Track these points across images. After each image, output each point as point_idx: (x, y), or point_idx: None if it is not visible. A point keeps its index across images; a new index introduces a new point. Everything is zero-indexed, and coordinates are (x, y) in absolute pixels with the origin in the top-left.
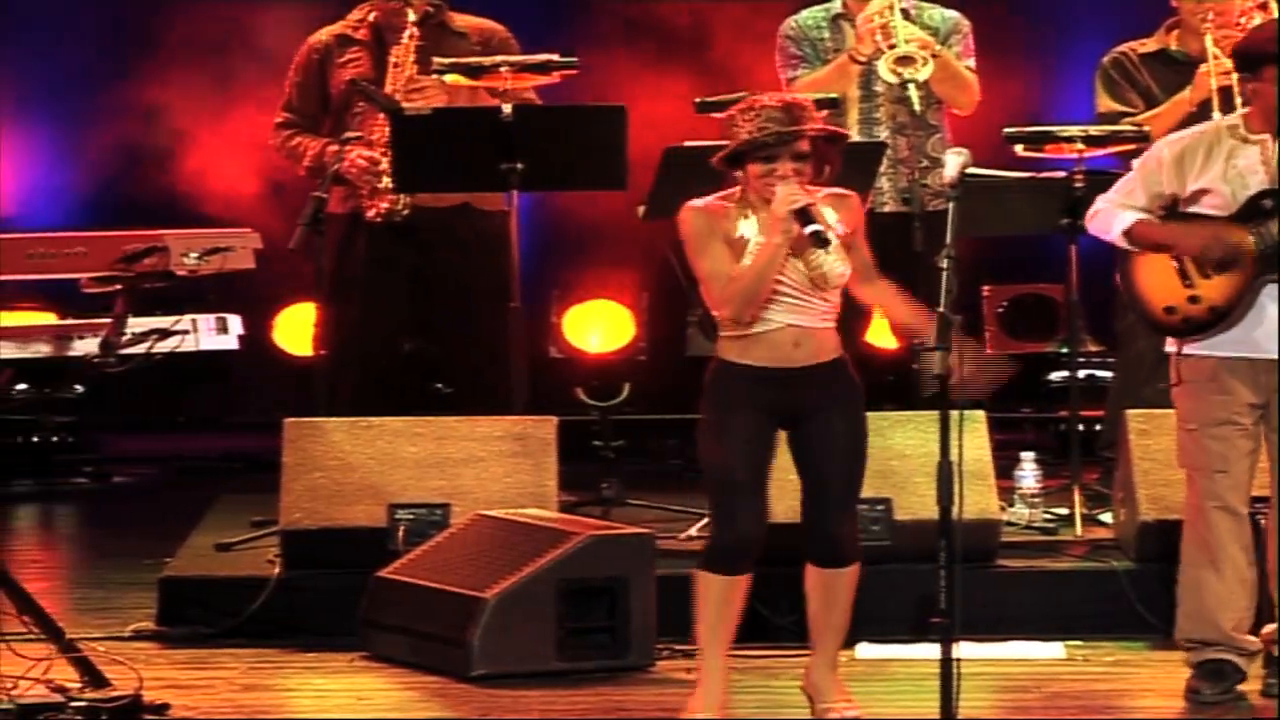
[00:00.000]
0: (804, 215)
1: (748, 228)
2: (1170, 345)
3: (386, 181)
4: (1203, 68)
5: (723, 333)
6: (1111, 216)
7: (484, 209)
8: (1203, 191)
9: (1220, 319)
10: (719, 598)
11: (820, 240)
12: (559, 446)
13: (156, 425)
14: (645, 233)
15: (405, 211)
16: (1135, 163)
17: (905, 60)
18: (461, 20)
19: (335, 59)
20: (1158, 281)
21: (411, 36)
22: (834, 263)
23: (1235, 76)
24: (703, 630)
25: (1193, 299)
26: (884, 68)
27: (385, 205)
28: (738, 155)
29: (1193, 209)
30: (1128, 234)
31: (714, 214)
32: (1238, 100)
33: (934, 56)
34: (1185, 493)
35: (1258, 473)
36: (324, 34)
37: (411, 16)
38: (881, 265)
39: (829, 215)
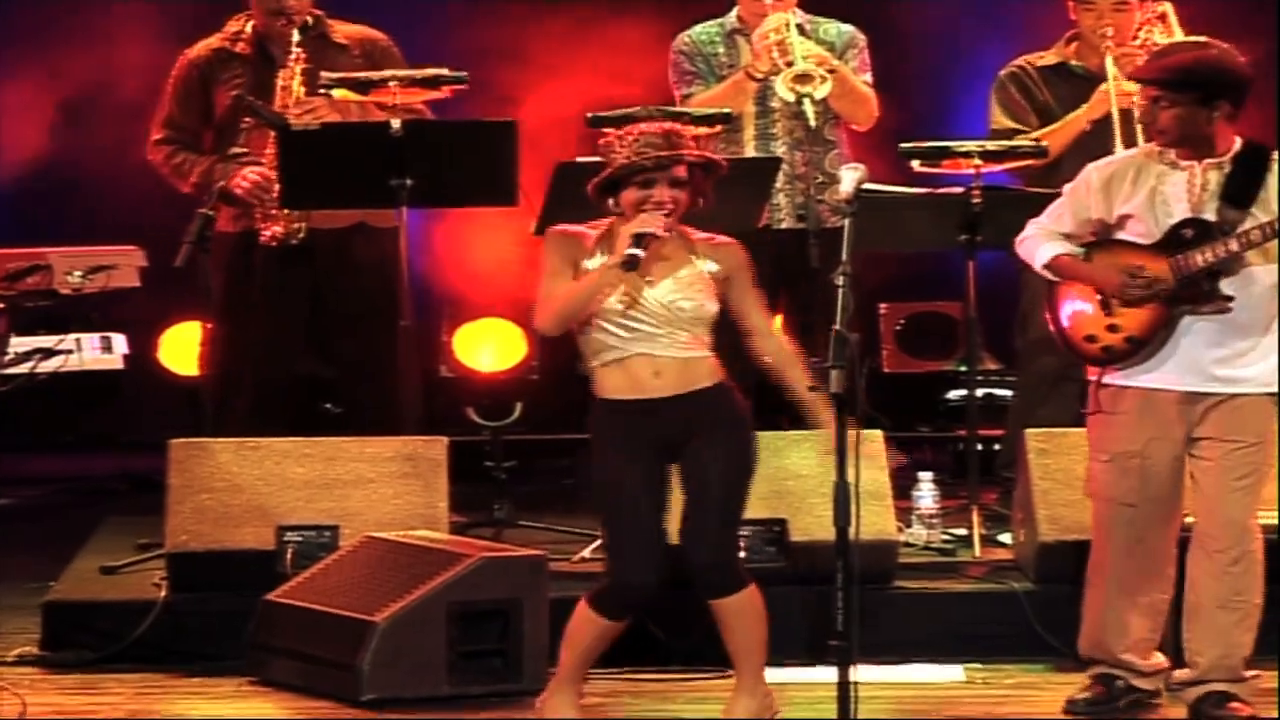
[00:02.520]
0: (638, 240)
1: (595, 263)
2: (1091, 373)
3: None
4: (1102, 87)
5: (587, 365)
6: (1036, 245)
7: (380, 227)
8: (1127, 217)
9: (1138, 349)
10: (596, 635)
11: (629, 263)
12: (450, 467)
13: (43, 446)
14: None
15: (301, 235)
16: (1067, 187)
17: (803, 78)
18: (342, 31)
19: (219, 75)
20: (1079, 309)
21: (298, 59)
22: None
23: (1136, 98)
24: (568, 657)
25: (1112, 328)
26: (782, 85)
27: (281, 229)
28: (614, 181)
29: (1119, 235)
30: (1049, 266)
31: (574, 240)
32: (1137, 124)
33: (831, 73)
34: (1091, 517)
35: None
36: (202, 48)
37: (296, 36)
38: (778, 282)
39: (707, 264)
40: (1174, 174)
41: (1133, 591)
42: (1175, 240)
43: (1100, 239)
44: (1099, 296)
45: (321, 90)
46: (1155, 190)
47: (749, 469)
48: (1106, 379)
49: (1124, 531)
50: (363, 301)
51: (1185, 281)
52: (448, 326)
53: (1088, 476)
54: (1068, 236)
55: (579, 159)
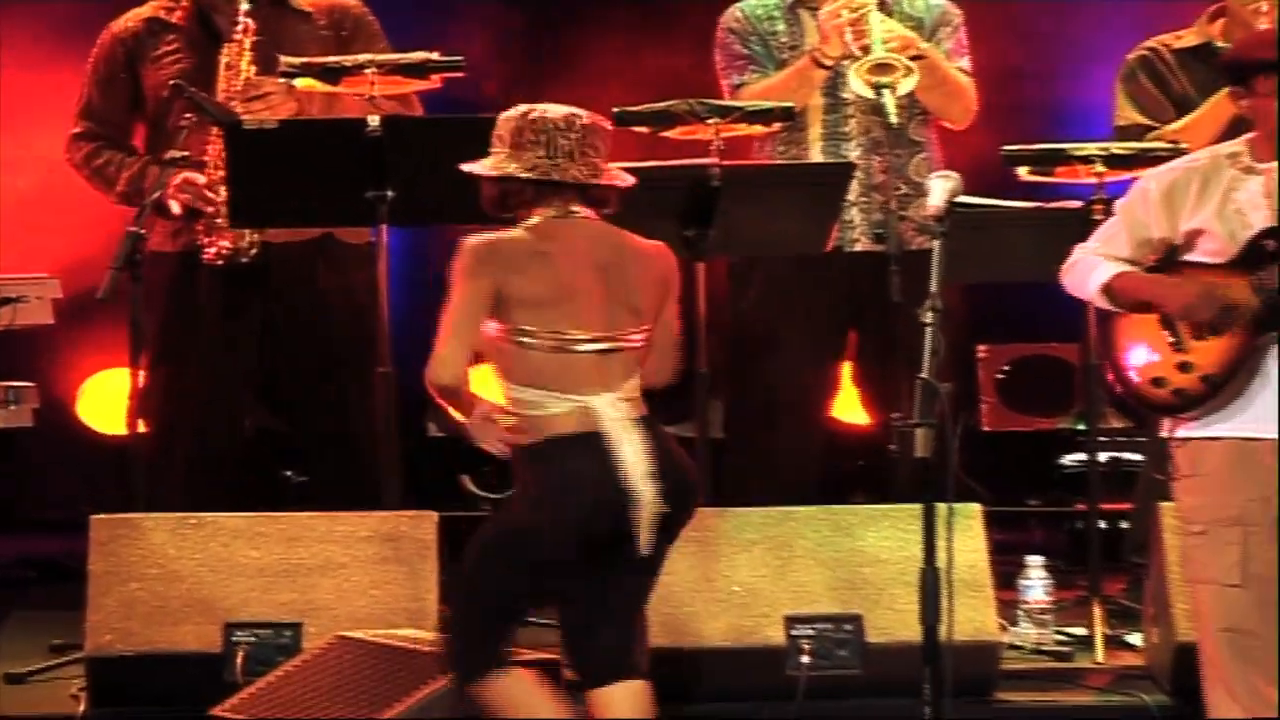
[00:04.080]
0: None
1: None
2: (1164, 427)
3: (223, 212)
4: None
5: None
6: (1089, 270)
7: (351, 242)
8: (1197, 233)
9: (1217, 390)
10: None
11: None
12: (441, 548)
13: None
14: None
15: (253, 251)
16: (1119, 203)
17: (883, 67)
18: None
19: (148, 51)
20: (1143, 348)
21: (246, 30)
22: None
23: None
24: None
25: (1183, 366)
26: (855, 77)
27: (227, 244)
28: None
29: (1189, 256)
30: (1106, 290)
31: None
32: None
33: (918, 59)
34: (1192, 612)
35: None
36: (130, 18)
37: (244, 4)
38: (849, 318)
39: None
40: (1248, 179)
41: (1260, 696)
42: (1255, 255)
43: (1162, 262)
44: (1165, 331)
45: (281, 76)
46: (1227, 199)
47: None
48: (1182, 432)
49: (1232, 622)
50: (330, 339)
51: (1271, 303)
52: None
53: (1182, 558)
54: (1124, 263)
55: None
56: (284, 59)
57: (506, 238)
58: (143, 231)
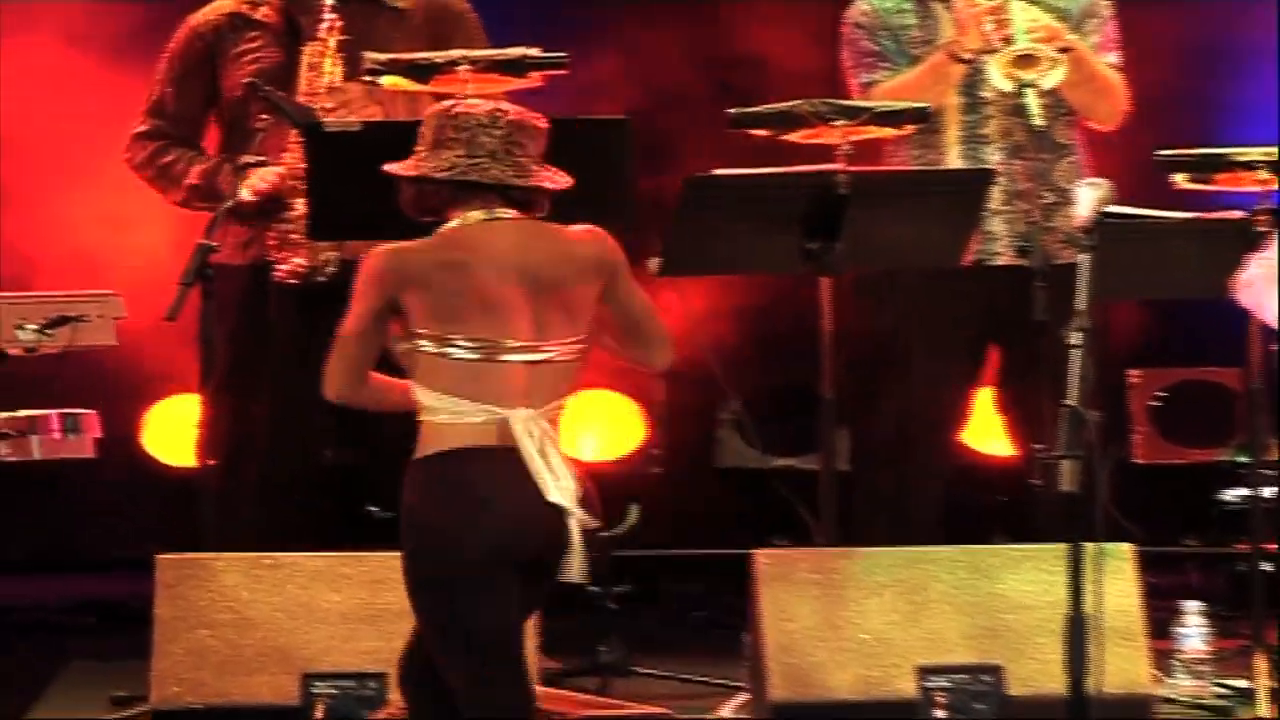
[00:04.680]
0: None
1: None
2: None
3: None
4: None
5: None
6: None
7: None
8: None
9: None
10: None
11: None
12: None
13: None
14: (660, 295)
15: (331, 270)
16: None
17: (1027, 60)
18: None
19: (229, 47)
20: None
21: (331, 28)
22: None
23: None
24: None
25: None
26: (996, 70)
27: (302, 261)
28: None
29: None
30: None
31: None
32: None
33: (1065, 52)
34: None
35: None
36: (211, 11)
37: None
38: (989, 337)
39: None
40: None
41: None
42: None
43: None
44: None
45: (366, 75)
46: None
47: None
48: None
49: None
50: None
51: None
52: None
53: None
54: None
55: (716, 171)
56: (369, 55)
57: (411, 248)
58: (214, 244)
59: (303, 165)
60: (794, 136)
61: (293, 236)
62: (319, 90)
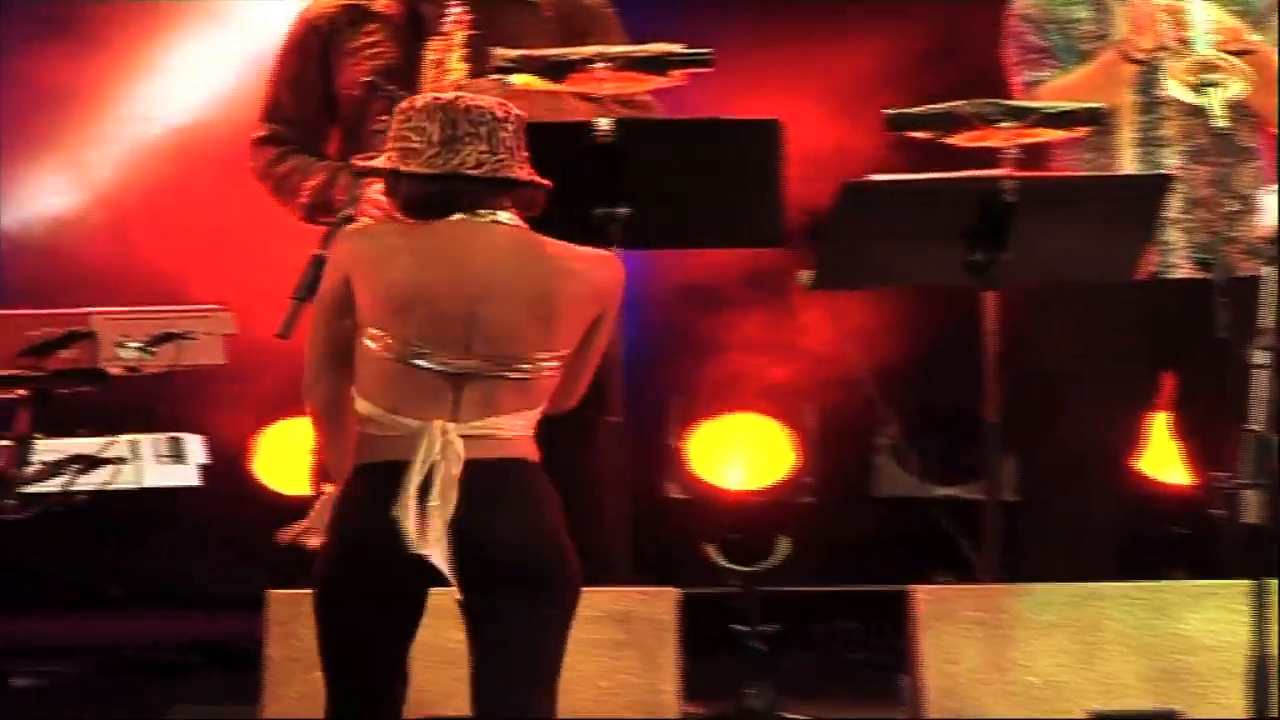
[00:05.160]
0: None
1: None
2: None
3: None
4: None
5: None
6: None
7: None
8: None
9: None
10: None
11: None
12: (681, 631)
13: (79, 600)
14: (812, 310)
15: None
16: None
17: (1205, 67)
18: None
19: (345, 42)
20: None
21: (459, 22)
22: None
23: None
24: None
25: None
26: (1174, 80)
27: None
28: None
29: None
30: None
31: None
32: None
33: (1245, 54)
34: None
35: None
36: (326, 3)
37: None
38: (1166, 357)
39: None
40: None
41: None
42: None
43: None
44: None
45: (495, 73)
46: None
47: None
48: None
49: None
50: None
51: None
52: (677, 424)
53: None
54: None
55: (875, 177)
56: (498, 51)
57: (373, 228)
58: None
59: None
60: (956, 139)
61: None
62: (445, 88)
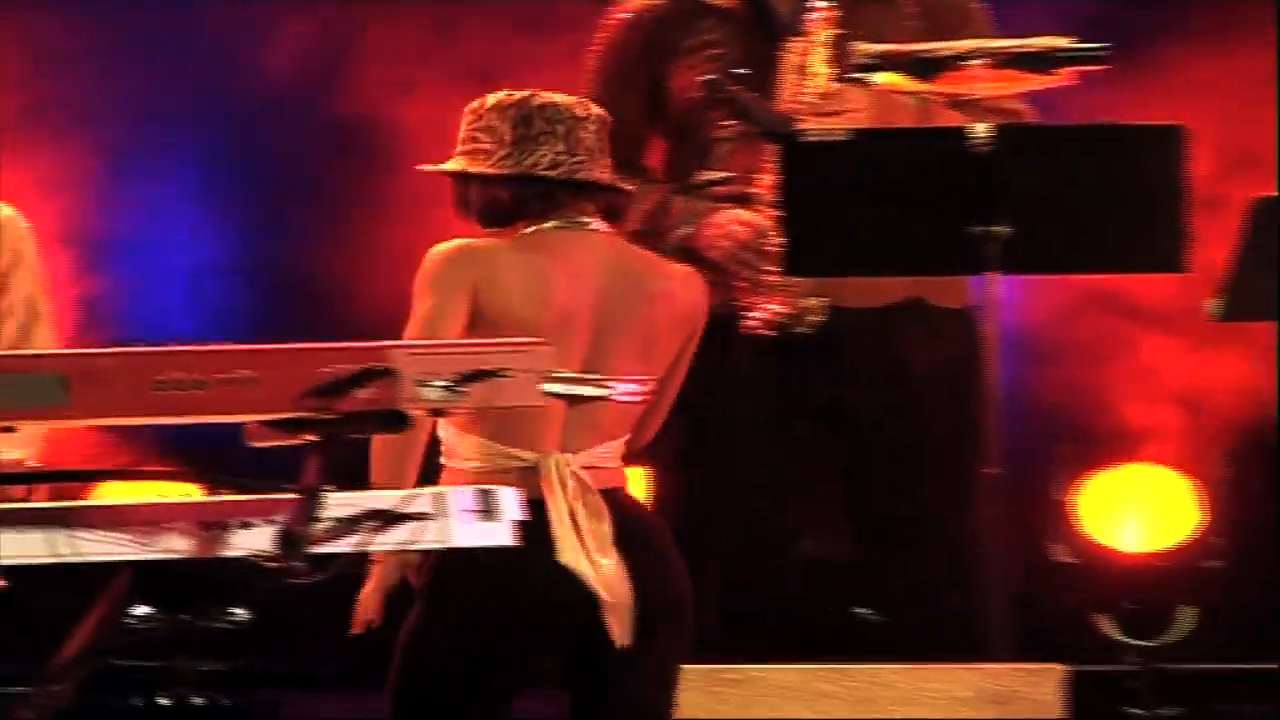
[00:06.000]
0: None
1: None
2: None
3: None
4: None
5: None
6: None
7: (946, 308)
8: None
9: None
10: None
11: None
12: (1068, 715)
13: (379, 678)
14: (1222, 343)
15: (817, 318)
16: None
17: None
18: None
19: (678, 41)
20: None
21: (827, 19)
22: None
23: None
24: None
25: None
26: None
27: (779, 308)
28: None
29: None
30: None
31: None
32: None
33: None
34: None
35: None
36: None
37: None
38: None
39: None
40: None
41: None
42: None
43: None
44: None
45: (854, 73)
46: None
47: None
48: None
49: None
50: (910, 434)
51: None
52: (1064, 476)
53: None
54: None
55: None
56: (860, 46)
57: (488, 241)
58: None
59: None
60: None
61: (768, 277)
62: (806, 97)
